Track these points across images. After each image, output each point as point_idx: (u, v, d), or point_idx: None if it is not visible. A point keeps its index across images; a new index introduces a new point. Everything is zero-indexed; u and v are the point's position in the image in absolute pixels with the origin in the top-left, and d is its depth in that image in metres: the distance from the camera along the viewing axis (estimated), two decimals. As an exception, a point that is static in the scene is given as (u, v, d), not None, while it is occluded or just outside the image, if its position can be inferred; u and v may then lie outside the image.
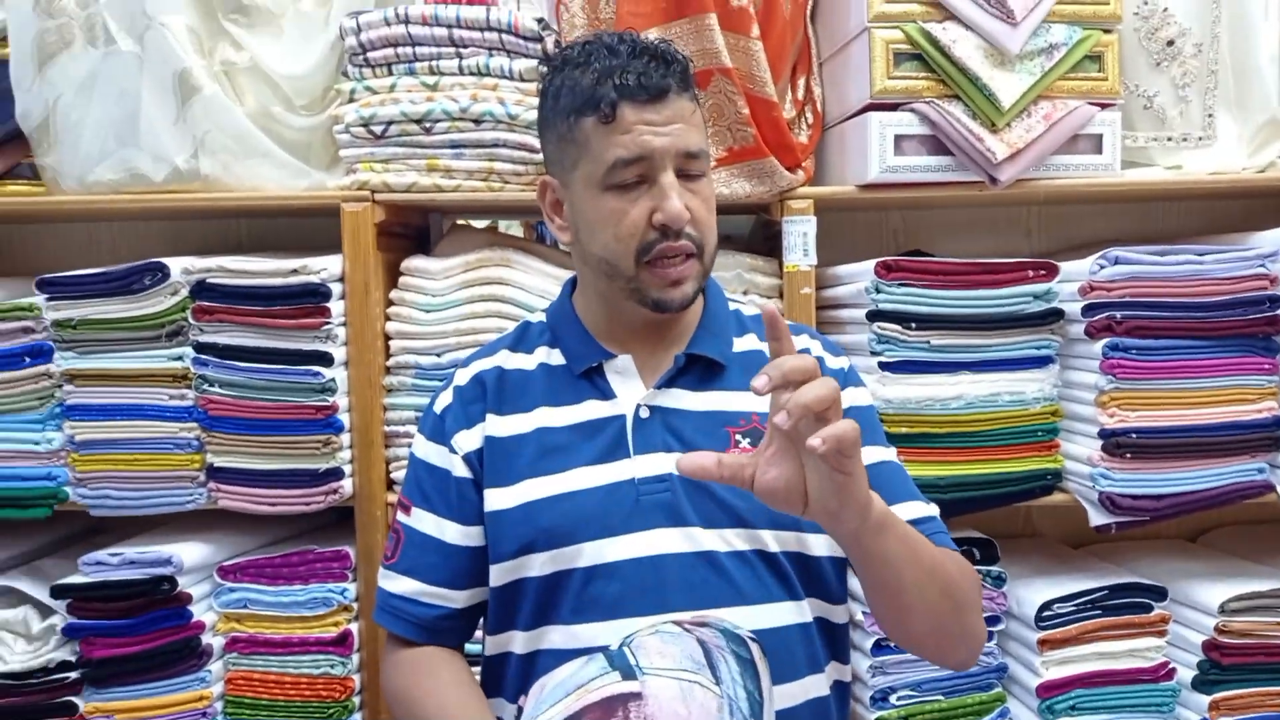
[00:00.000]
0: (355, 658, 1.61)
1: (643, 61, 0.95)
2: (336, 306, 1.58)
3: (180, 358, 1.59)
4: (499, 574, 1.01)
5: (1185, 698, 1.55)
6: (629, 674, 0.78)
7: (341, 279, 1.59)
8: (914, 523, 1.00)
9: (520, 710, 0.83)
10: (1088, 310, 1.50)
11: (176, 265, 1.58)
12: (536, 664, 0.98)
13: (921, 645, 0.98)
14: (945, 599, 0.92)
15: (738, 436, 1.00)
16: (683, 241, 0.96)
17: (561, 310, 1.09)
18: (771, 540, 0.98)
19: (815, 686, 1.00)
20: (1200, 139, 1.55)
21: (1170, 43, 1.50)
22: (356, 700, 1.62)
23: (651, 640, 0.82)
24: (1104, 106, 1.51)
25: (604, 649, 0.82)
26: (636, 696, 0.76)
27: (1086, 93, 1.50)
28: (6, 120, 1.63)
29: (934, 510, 1.04)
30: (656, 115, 0.94)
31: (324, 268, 1.57)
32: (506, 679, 1.02)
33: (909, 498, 1.03)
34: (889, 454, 1.06)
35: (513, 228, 2.36)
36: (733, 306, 1.11)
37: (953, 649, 0.97)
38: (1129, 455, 1.48)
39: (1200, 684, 1.53)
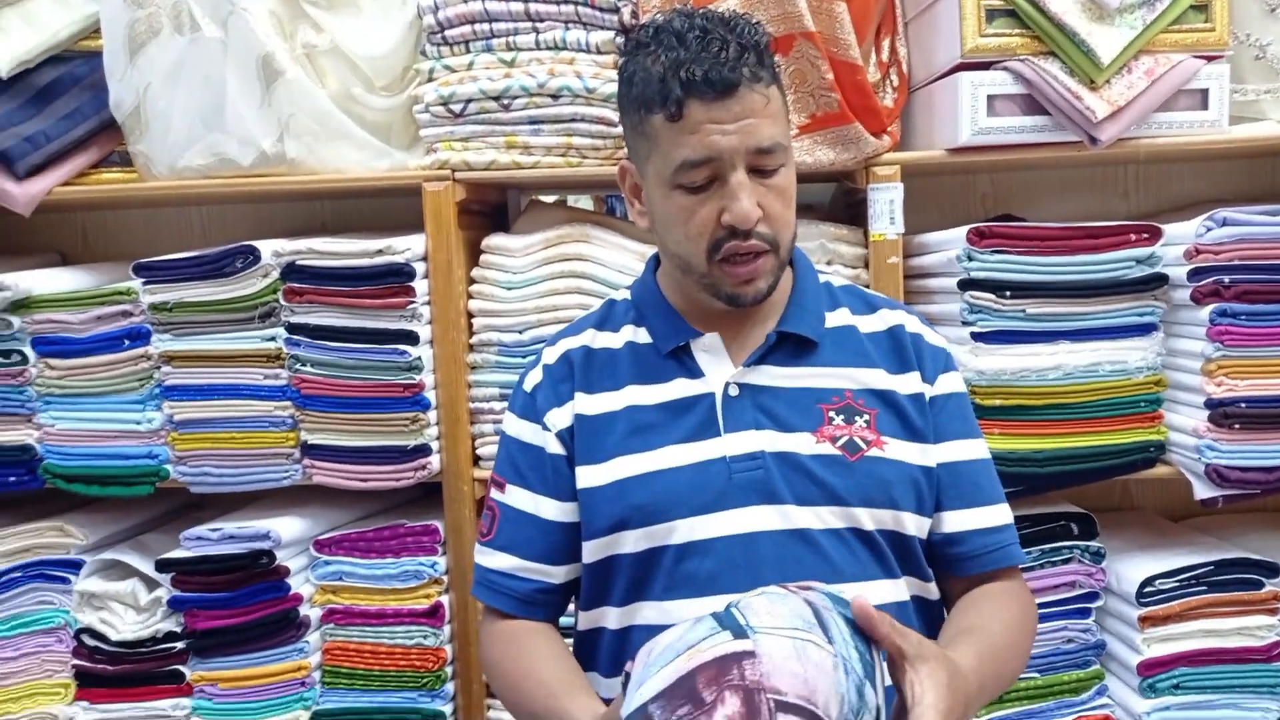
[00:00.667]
0: (446, 629, 1.65)
1: (712, 52, 0.91)
2: (421, 286, 1.60)
3: (273, 338, 1.63)
4: (592, 550, 1.01)
5: (1297, 677, 1.50)
6: (740, 633, 0.76)
7: (425, 258, 1.61)
8: (990, 531, 1.01)
9: (628, 675, 0.82)
10: (1193, 275, 1.43)
11: (267, 248, 1.61)
12: (630, 639, 0.99)
13: None
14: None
15: (831, 414, 0.99)
16: (753, 241, 0.94)
17: (646, 288, 1.08)
18: (867, 518, 0.97)
19: None
20: (1319, 89, 1.47)
21: (1290, -13, 1.41)
22: (449, 670, 1.65)
23: (759, 601, 0.80)
24: (1210, 59, 1.43)
25: (712, 613, 0.81)
26: (750, 655, 0.74)
27: (1192, 45, 1.42)
28: (101, 110, 1.68)
29: (1009, 517, 1.04)
30: (725, 112, 0.91)
31: (408, 248, 1.58)
32: (600, 654, 1.03)
33: (990, 501, 1.02)
34: (978, 449, 1.04)
35: (581, 201, 2.35)
36: (823, 279, 1.09)
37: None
38: (1237, 426, 1.42)
39: (1314, 663, 1.47)
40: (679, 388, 1.01)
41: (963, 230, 1.46)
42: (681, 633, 0.80)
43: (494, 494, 1.09)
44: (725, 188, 0.93)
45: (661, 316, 1.04)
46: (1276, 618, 1.49)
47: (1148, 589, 1.48)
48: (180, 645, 1.65)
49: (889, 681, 0.81)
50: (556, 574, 1.05)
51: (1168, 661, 1.48)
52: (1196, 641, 1.48)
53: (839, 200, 1.83)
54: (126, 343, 1.67)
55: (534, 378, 1.08)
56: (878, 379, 1.01)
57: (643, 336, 1.05)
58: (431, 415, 1.62)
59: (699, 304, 1.02)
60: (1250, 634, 1.49)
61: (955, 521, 1.01)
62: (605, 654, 1.02)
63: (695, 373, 1.01)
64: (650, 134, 0.95)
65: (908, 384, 1.02)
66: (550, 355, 1.08)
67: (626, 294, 1.11)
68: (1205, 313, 1.42)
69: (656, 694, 0.75)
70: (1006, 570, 1.04)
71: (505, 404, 1.59)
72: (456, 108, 1.57)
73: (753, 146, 0.92)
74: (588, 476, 1.01)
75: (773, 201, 0.95)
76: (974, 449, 1.04)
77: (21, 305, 1.68)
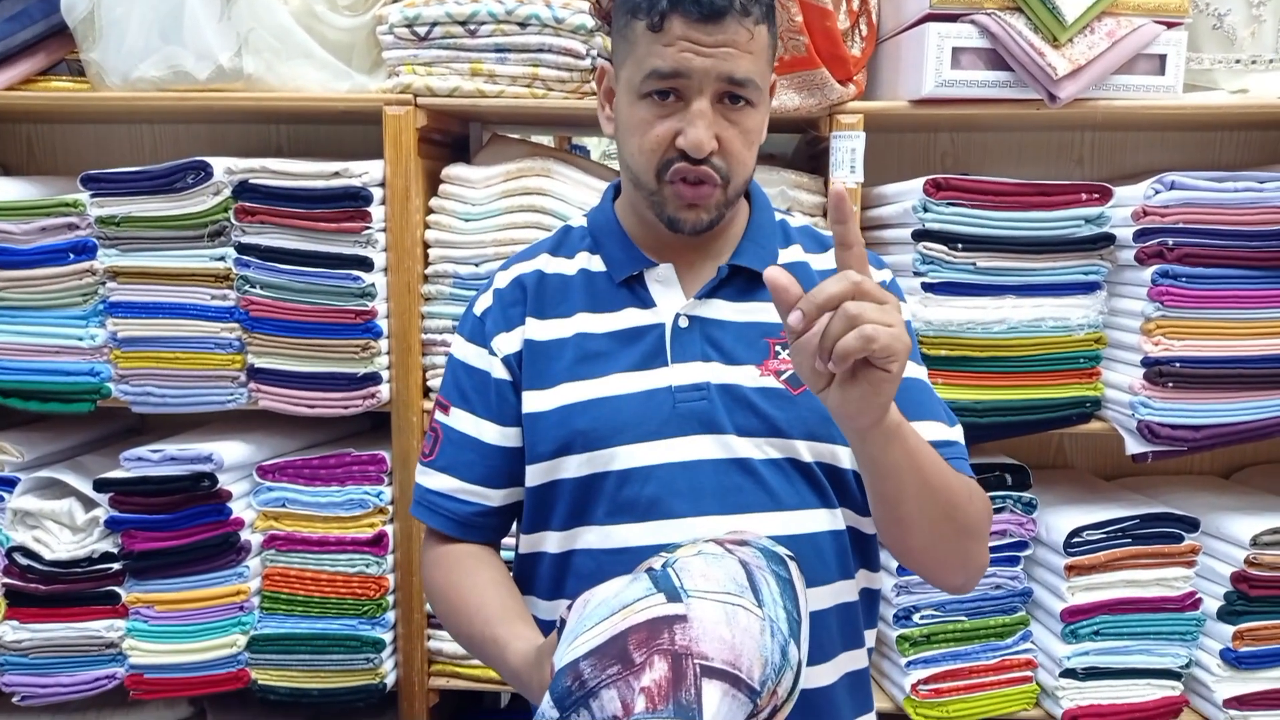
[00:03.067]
0: (390, 558, 1.65)
1: None
2: (377, 212, 1.58)
3: (222, 258, 1.60)
4: (535, 474, 1.02)
5: (1209, 627, 1.56)
6: (674, 596, 0.78)
7: (382, 184, 1.59)
8: (935, 444, 0.99)
9: (563, 622, 0.84)
10: (1139, 236, 1.47)
11: (219, 165, 1.58)
12: (570, 563, 1.00)
13: (918, 562, 0.97)
14: (947, 521, 0.92)
15: (777, 348, 1.00)
16: (704, 168, 0.94)
17: (603, 215, 1.08)
18: (805, 450, 0.98)
19: (846, 591, 1.01)
20: (1271, 61, 1.50)
21: (1247, -44, 1.44)
22: (391, 599, 1.66)
23: (695, 562, 0.82)
24: (1170, 25, 1.46)
25: (649, 570, 0.83)
26: (681, 619, 0.77)
27: (1153, 10, 1.45)
28: (51, 14, 1.62)
29: (957, 435, 1.03)
30: (706, 35, 0.91)
31: (365, 171, 1.56)
32: (539, 577, 1.04)
33: (933, 418, 1.02)
34: (920, 372, 1.05)
35: (543, 141, 2.32)
36: (779, 217, 1.10)
37: (949, 572, 0.97)
38: (1171, 384, 1.47)
39: (1226, 614, 1.54)
40: (630, 317, 1.01)
41: (920, 181, 1.48)
42: (618, 589, 0.82)
43: (438, 415, 1.09)
44: (687, 111, 0.93)
45: (617, 244, 1.04)
46: (1193, 570, 1.55)
47: (1075, 539, 1.53)
48: (116, 566, 1.63)
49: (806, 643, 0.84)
50: (494, 497, 1.06)
51: (1090, 609, 1.53)
52: (1118, 591, 1.54)
53: (802, 151, 1.84)
54: (71, 256, 1.63)
55: (484, 302, 1.08)
56: None
57: (596, 264, 1.05)
58: (383, 344, 1.61)
59: (654, 234, 1.02)
60: (1168, 585, 1.55)
61: None
62: (544, 577, 1.03)
63: (647, 303, 1.02)
64: (631, 38, 0.96)
65: None
66: (502, 279, 1.08)
67: (583, 221, 1.11)
68: (1148, 273, 1.46)
69: (589, 651, 0.77)
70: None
71: (452, 342, 1.61)
72: (421, 30, 1.54)
73: (725, 74, 0.92)
74: (533, 401, 1.01)
75: (733, 137, 0.95)
76: (918, 371, 1.04)
77: (-39, 213, 1.63)
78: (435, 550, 1.08)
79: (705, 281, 1.01)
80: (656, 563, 0.84)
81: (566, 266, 1.06)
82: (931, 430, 1.00)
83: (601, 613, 0.80)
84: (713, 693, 0.75)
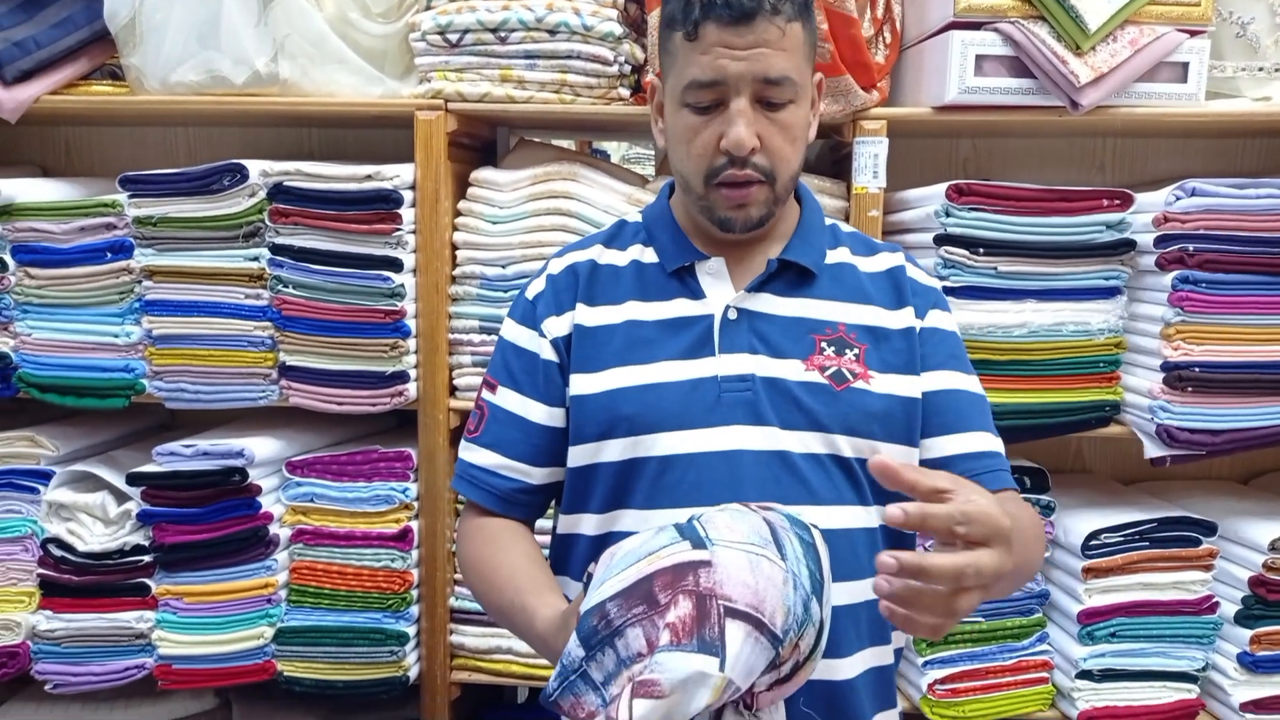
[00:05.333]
0: (414, 553, 1.68)
1: None
2: (407, 214, 1.61)
3: (256, 258, 1.64)
4: (577, 456, 1.04)
5: (1226, 631, 1.57)
6: (699, 544, 0.81)
7: (413, 187, 1.62)
8: (977, 455, 1.03)
9: (589, 577, 0.86)
10: (1160, 242, 1.49)
11: (255, 167, 1.62)
12: (606, 545, 1.01)
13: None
14: (1023, 575, 0.99)
15: (823, 344, 1.02)
16: (748, 170, 0.97)
17: (659, 210, 1.11)
18: (846, 446, 1.00)
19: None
20: (1293, 70, 1.52)
21: (1270, -34, 1.45)
22: (415, 593, 1.68)
23: (720, 516, 0.85)
24: (1193, 34, 1.48)
25: (674, 524, 0.85)
26: (706, 564, 0.79)
27: (1176, 19, 1.47)
28: (94, 20, 1.66)
29: (1000, 446, 1.05)
30: (738, 38, 0.94)
31: (397, 174, 1.60)
32: (574, 558, 1.06)
33: (979, 429, 1.04)
34: (970, 381, 1.07)
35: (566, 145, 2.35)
36: (829, 221, 1.13)
37: (1008, 591, 1.03)
38: (1190, 389, 1.48)
39: (1243, 618, 1.55)
40: (680, 307, 1.04)
41: (942, 186, 1.50)
42: (644, 540, 0.84)
43: (485, 394, 1.11)
44: (727, 113, 0.96)
45: (670, 236, 1.07)
46: (1210, 574, 1.56)
47: (1093, 542, 1.54)
48: (147, 559, 1.66)
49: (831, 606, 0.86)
50: (536, 475, 1.08)
51: (1106, 611, 1.54)
52: (1135, 594, 1.55)
53: (825, 156, 1.87)
54: (109, 255, 1.67)
55: (537, 286, 1.11)
56: (871, 315, 1.05)
57: (649, 256, 1.08)
58: (411, 343, 1.64)
59: (705, 229, 1.05)
60: (1185, 588, 1.56)
61: (940, 447, 1.04)
62: (580, 559, 1.05)
63: (698, 294, 1.04)
64: (672, 50, 1.00)
65: (900, 319, 1.05)
66: (556, 266, 1.11)
67: (639, 216, 1.14)
68: (1168, 279, 1.48)
69: (615, 593, 0.80)
70: (999, 493, 1.03)
71: (484, 336, 1.64)
72: (453, 37, 1.58)
73: (760, 75, 0.95)
74: (581, 384, 1.04)
75: (774, 134, 0.97)
76: (963, 381, 1.06)
77: (3, 212, 1.67)
78: (472, 522, 1.10)
79: (755, 275, 1.04)
80: (683, 517, 0.86)
81: (619, 258, 1.09)
82: (977, 442, 1.03)
83: (628, 560, 0.82)
84: (736, 633, 0.78)
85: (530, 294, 1.11)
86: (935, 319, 1.07)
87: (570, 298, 1.07)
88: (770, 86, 0.96)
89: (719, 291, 1.04)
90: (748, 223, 1.01)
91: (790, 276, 1.05)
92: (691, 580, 0.79)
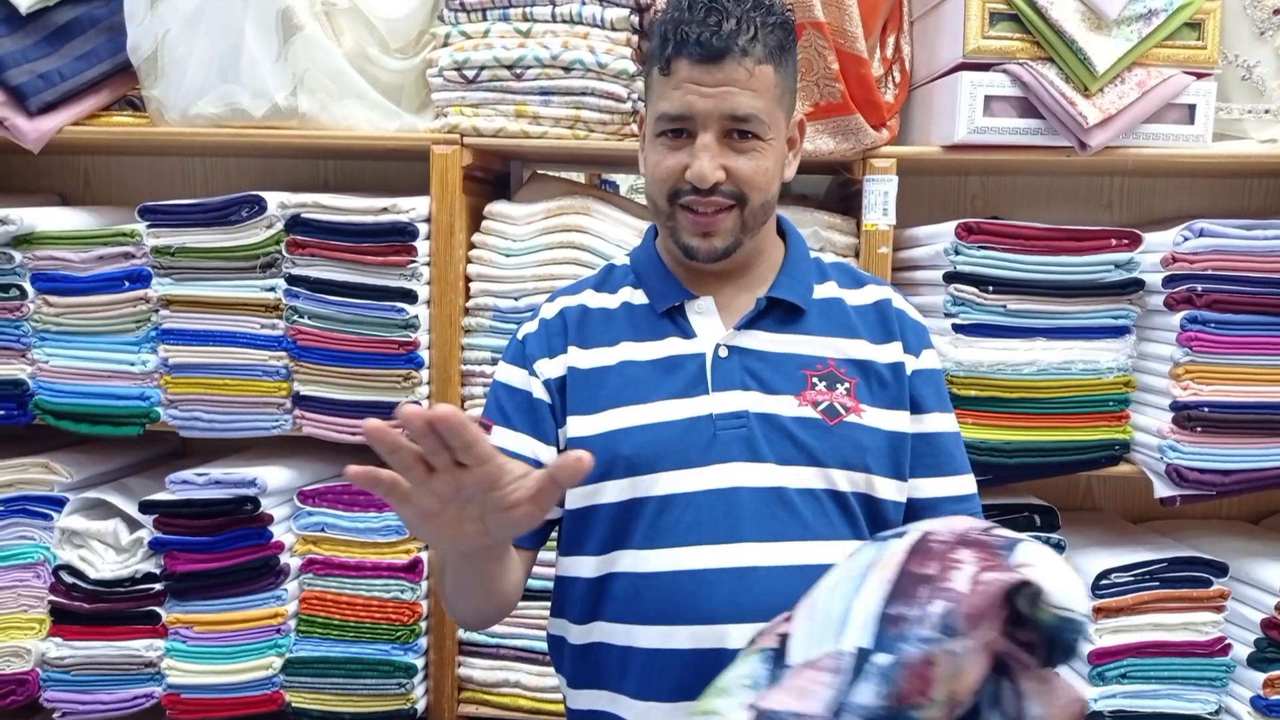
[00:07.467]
0: (424, 584, 1.68)
1: (710, 21, 0.96)
2: (422, 246, 1.63)
3: (273, 289, 1.65)
4: (575, 498, 1.04)
5: (1239, 674, 1.56)
6: (899, 534, 0.79)
7: (428, 219, 1.64)
8: (954, 499, 1.05)
9: (784, 638, 0.76)
10: (1168, 281, 1.49)
11: (272, 199, 1.64)
12: (606, 587, 1.02)
13: None
14: None
15: (814, 379, 1.03)
16: (715, 197, 1.00)
17: (645, 252, 1.13)
18: (843, 480, 1.01)
19: None
20: (1299, 112, 1.53)
21: (1277, 11, 1.47)
22: (424, 625, 1.68)
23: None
24: (1200, 76, 1.49)
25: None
26: (930, 533, 0.78)
27: (1183, 61, 1.49)
28: (116, 53, 1.69)
29: (974, 488, 1.09)
30: (708, 76, 0.97)
31: (412, 208, 1.61)
32: (572, 601, 1.06)
33: (958, 471, 1.07)
34: (949, 422, 1.09)
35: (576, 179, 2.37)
36: (813, 255, 1.14)
37: None
38: (1200, 429, 1.48)
39: (1256, 661, 1.53)
40: (672, 346, 1.05)
41: (952, 224, 1.51)
42: (844, 568, 0.79)
43: None
44: (694, 145, 0.99)
45: (659, 278, 1.09)
46: (1221, 615, 1.55)
47: (1103, 581, 1.53)
48: (158, 587, 1.67)
49: None
50: None
51: (1117, 652, 1.53)
52: (1145, 634, 1.54)
53: (834, 192, 1.88)
54: (127, 284, 1.69)
55: (529, 327, 1.12)
56: (860, 349, 1.06)
57: (639, 298, 1.09)
58: (424, 374, 1.65)
59: (692, 268, 1.07)
60: (1196, 629, 1.55)
61: (929, 488, 1.06)
62: (578, 602, 1.05)
63: (688, 333, 1.05)
64: (651, 84, 1.04)
65: (888, 354, 1.07)
66: (548, 310, 1.12)
67: (626, 260, 1.16)
68: (1177, 319, 1.48)
69: (883, 601, 0.72)
70: None
71: (496, 368, 1.64)
72: (469, 74, 1.60)
73: (727, 112, 0.98)
74: (580, 426, 1.04)
75: (743, 164, 1.00)
76: (949, 422, 1.09)
77: (24, 241, 1.69)
78: None
79: (744, 313, 1.05)
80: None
81: (609, 301, 1.11)
82: (955, 485, 1.05)
83: (851, 585, 0.75)
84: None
85: (521, 335, 1.13)
86: (928, 359, 1.09)
87: (562, 341, 1.09)
88: (737, 122, 0.99)
89: (709, 330, 1.06)
90: (712, 253, 1.03)
91: (779, 313, 1.06)
92: (938, 545, 0.74)
